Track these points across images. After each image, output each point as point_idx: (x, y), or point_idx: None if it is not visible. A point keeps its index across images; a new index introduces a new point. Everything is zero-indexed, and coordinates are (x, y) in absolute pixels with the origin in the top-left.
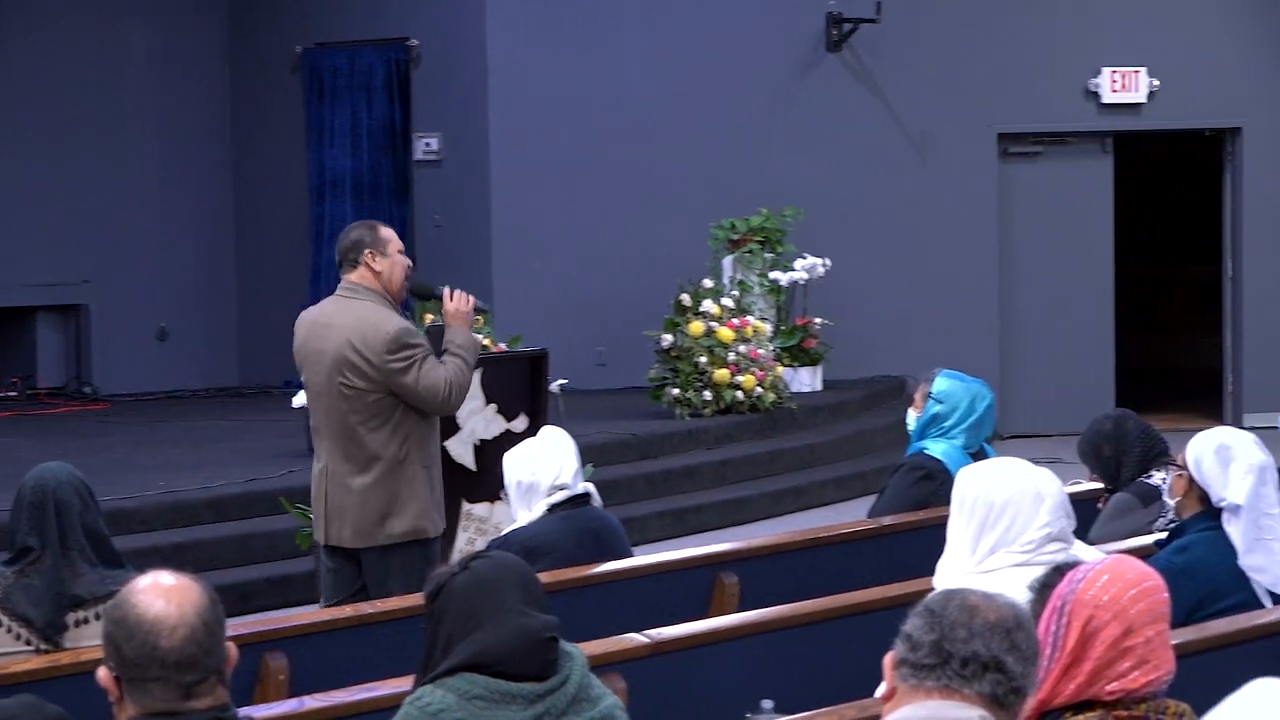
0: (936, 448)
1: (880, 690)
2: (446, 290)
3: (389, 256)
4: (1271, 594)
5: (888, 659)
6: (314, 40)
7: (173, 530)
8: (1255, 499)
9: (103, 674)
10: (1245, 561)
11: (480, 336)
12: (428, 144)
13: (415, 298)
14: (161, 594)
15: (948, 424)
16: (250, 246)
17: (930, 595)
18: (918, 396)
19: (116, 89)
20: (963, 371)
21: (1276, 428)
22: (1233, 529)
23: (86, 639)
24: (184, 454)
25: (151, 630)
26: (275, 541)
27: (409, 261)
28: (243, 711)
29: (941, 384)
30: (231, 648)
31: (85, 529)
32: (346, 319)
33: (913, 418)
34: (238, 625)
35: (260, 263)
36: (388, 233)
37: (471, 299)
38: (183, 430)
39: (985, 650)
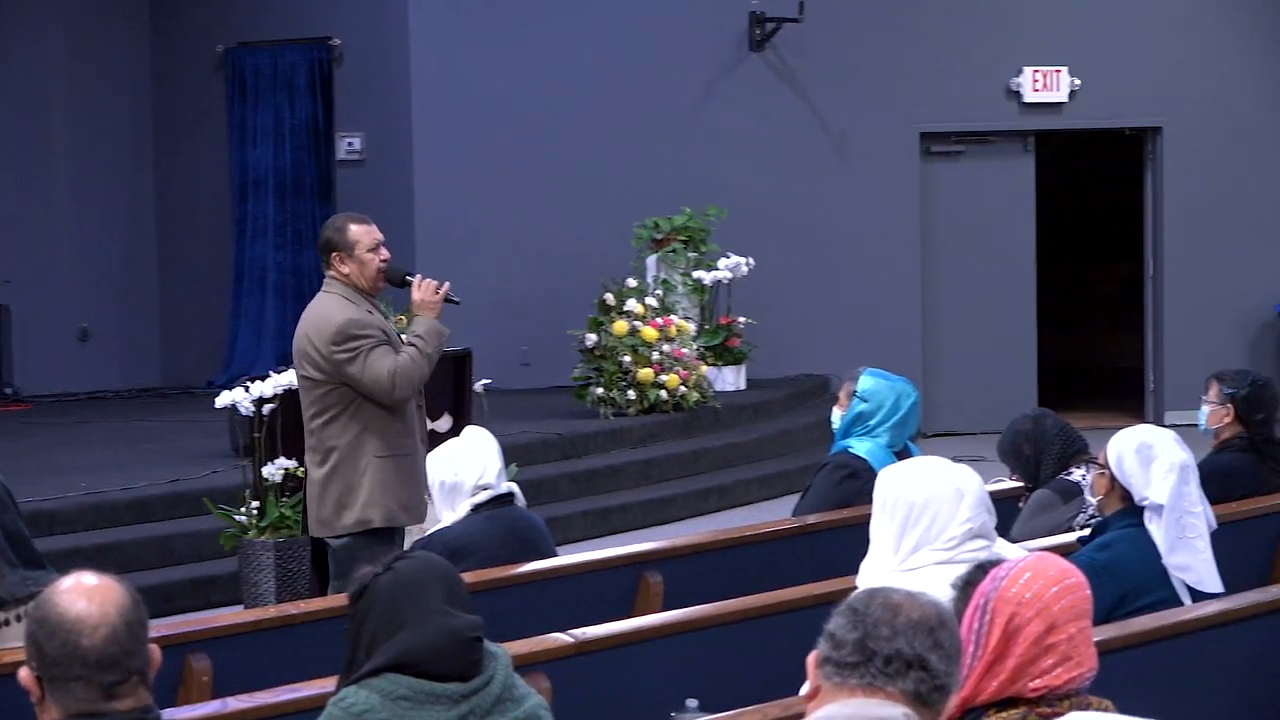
0: (861, 446)
1: (804, 689)
2: (416, 279)
3: (355, 258)
4: (1193, 591)
5: (811, 657)
6: (236, 40)
7: (95, 531)
8: (1177, 498)
9: (24, 674)
10: (1169, 560)
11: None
12: (350, 143)
13: (393, 286)
14: (83, 594)
15: (872, 422)
16: (172, 247)
17: (853, 594)
18: (842, 395)
19: (37, 89)
20: (886, 370)
21: (1197, 425)
22: (1154, 528)
23: (8, 640)
24: (106, 455)
25: (73, 629)
26: (198, 542)
27: (383, 256)
28: (166, 713)
29: (866, 382)
30: (155, 649)
31: (5, 530)
32: (309, 314)
33: (837, 416)
34: (161, 626)
35: (182, 263)
36: (357, 232)
37: (443, 288)
38: (105, 431)
39: (909, 648)
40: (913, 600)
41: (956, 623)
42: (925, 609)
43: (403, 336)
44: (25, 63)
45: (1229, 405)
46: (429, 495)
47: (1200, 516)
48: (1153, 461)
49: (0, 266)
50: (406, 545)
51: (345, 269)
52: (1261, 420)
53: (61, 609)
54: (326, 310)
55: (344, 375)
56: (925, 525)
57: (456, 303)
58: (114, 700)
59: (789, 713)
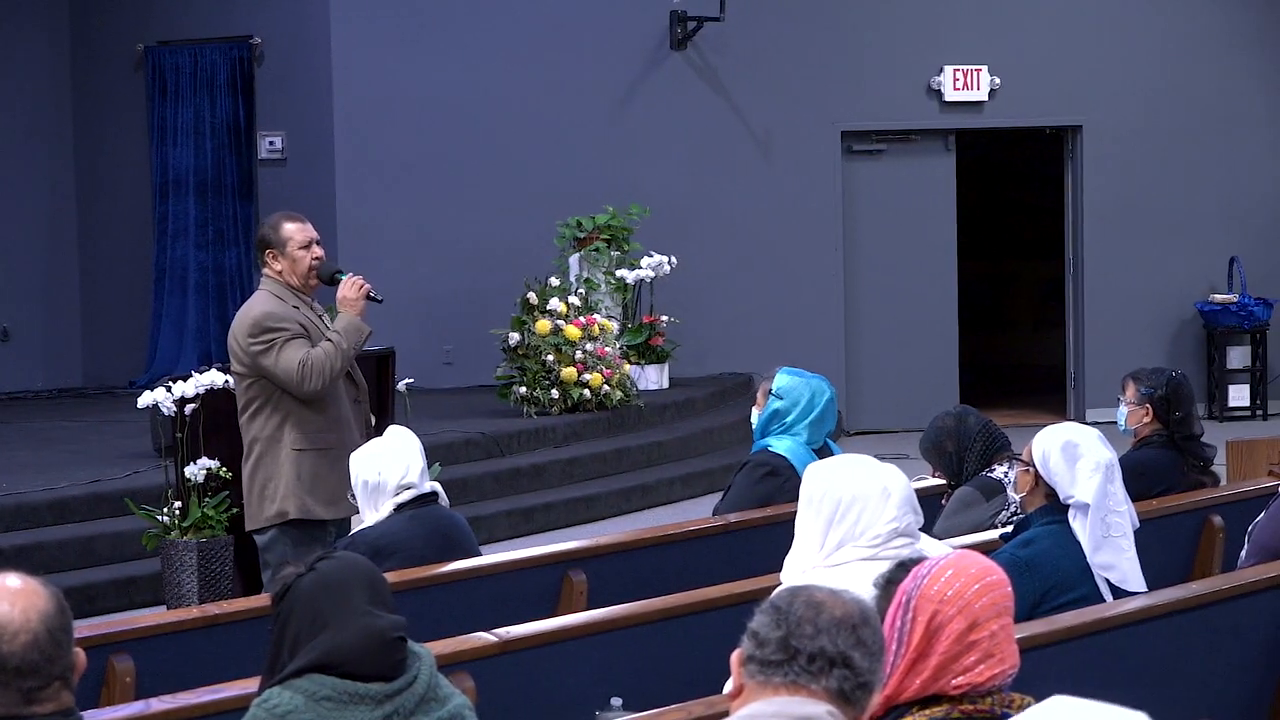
0: (780, 444)
1: (728, 687)
2: (345, 277)
3: (287, 255)
4: (1114, 588)
5: (735, 656)
6: (156, 38)
7: (16, 533)
8: (1103, 496)
9: None
10: (1094, 559)
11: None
12: (271, 142)
13: (324, 283)
14: (5, 597)
15: (789, 419)
16: (93, 246)
17: (776, 592)
18: (760, 395)
19: None
20: (807, 368)
21: (1117, 423)
22: (1079, 526)
23: None
24: (27, 456)
25: None
26: (120, 543)
27: (315, 254)
28: (89, 714)
29: (781, 380)
30: (79, 653)
31: None
32: (239, 311)
33: (756, 416)
34: (83, 627)
35: (103, 262)
36: (290, 230)
37: (364, 286)
38: (25, 432)
39: (832, 646)
40: (835, 598)
41: (879, 620)
42: (848, 606)
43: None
44: None
45: (1147, 405)
46: (350, 495)
47: (1125, 515)
48: (1078, 460)
49: None
50: None
51: (277, 266)
52: (1181, 418)
53: None
54: (250, 305)
55: (260, 367)
56: (851, 522)
57: (378, 300)
58: (34, 704)
59: (713, 711)
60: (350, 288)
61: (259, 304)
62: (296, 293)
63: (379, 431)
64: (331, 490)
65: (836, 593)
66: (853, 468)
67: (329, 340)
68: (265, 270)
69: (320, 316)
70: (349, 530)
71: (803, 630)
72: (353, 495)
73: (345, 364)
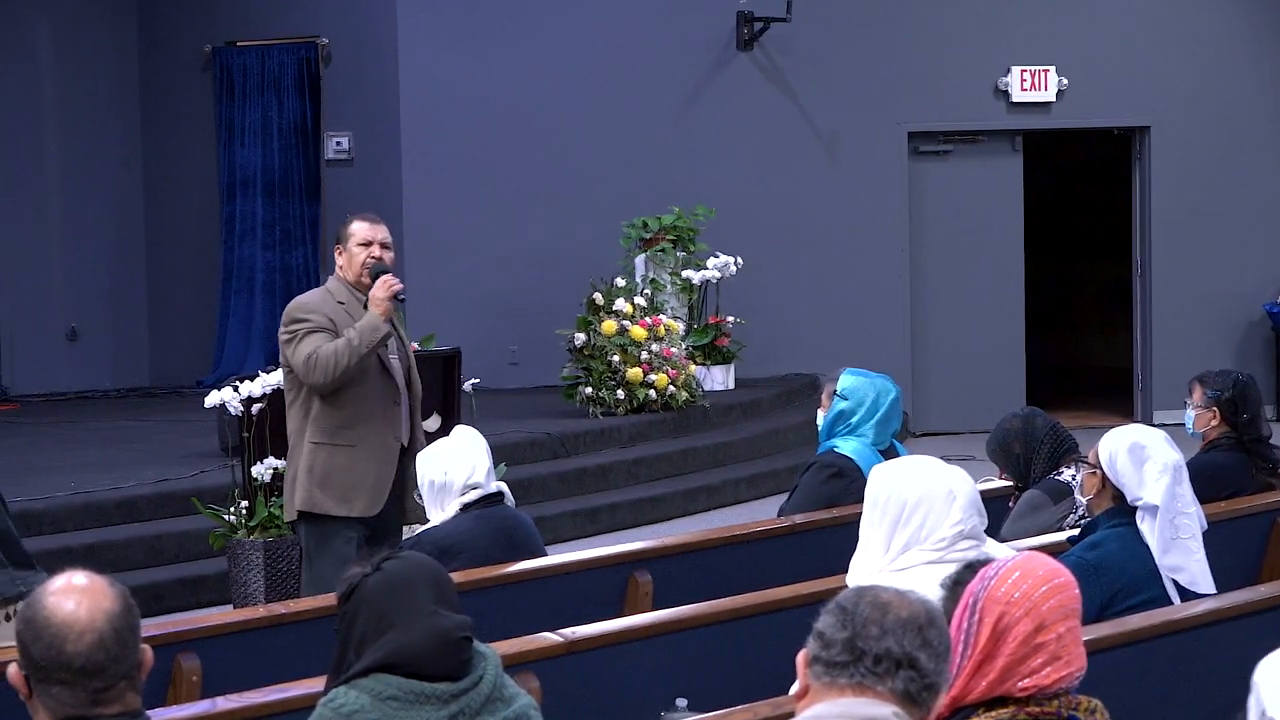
0: (846, 445)
1: (794, 688)
2: (384, 277)
3: (347, 250)
4: (1182, 591)
5: (800, 656)
6: (224, 39)
7: (84, 531)
8: (1171, 498)
9: (13, 671)
10: (1163, 561)
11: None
12: (339, 143)
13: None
14: (73, 596)
15: (854, 420)
16: (161, 246)
17: (842, 593)
18: (824, 396)
19: (24, 87)
20: (873, 369)
21: (1184, 426)
22: (1147, 528)
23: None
24: (95, 455)
25: (58, 633)
26: (187, 542)
27: (374, 252)
28: (155, 713)
29: (846, 381)
30: (147, 651)
31: None
32: None
33: (821, 417)
34: (149, 626)
35: (171, 262)
36: (356, 227)
37: (393, 285)
38: (93, 431)
39: (898, 647)
40: (901, 598)
41: (945, 621)
42: (914, 607)
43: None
44: (12, 64)
45: (1214, 408)
46: (417, 494)
47: (1193, 517)
48: (1146, 462)
49: None
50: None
51: (340, 261)
52: (1248, 420)
53: (49, 611)
54: (301, 295)
55: (285, 357)
56: (916, 525)
57: (402, 300)
58: (100, 706)
59: (778, 712)
60: (381, 286)
61: (301, 296)
62: (354, 290)
63: (445, 432)
64: (346, 488)
65: (903, 593)
66: (917, 470)
67: (346, 335)
68: (337, 262)
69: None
70: (397, 533)
71: (869, 631)
72: (418, 494)
73: (356, 361)
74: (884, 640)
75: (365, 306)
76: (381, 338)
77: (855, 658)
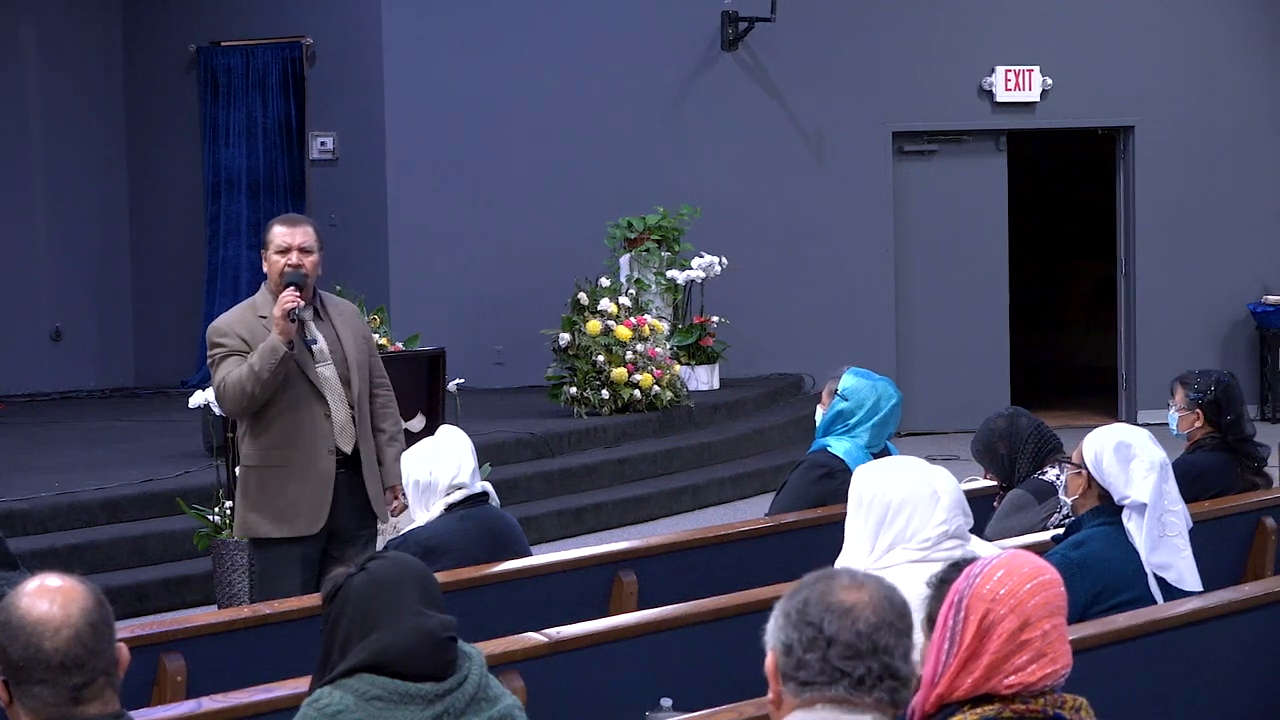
0: (839, 446)
1: (769, 695)
2: (285, 292)
3: (266, 257)
4: (1166, 589)
5: (770, 665)
6: (208, 39)
7: (68, 532)
8: (1159, 496)
9: None
10: (1151, 560)
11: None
12: (323, 143)
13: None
14: (45, 595)
15: (852, 421)
16: (145, 246)
17: (797, 594)
18: (825, 393)
19: (8, 88)
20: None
21: (1169, 426)
22: (1134, 527)
23: None
24: (79, 455)
25: (35, 632)
26: (171, 542)
27: (292, 260)
28: (140, 713)
29: (848, 381)
30: (122, 649)
31: None
32: None
33: (820, 414)
34: (134, 626)
35: (155, 262)
36: (274, 233)
37: (288, 303)
38: (78, 431)
39: (878, 664)
40: (859, 591)
41: (900, 594)
42: (876, 600)
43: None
44: None
45: (1197, 410)
46: (401, 494)
47: (1180, 515)
48: (1132, 460)
49: None
50: (380, 546)
51: (264, 267)
52: (1232, 420)
53: (23, 611)
54: (226, 312)
55: None
56: (901, 525)
57: (294, 320)
58: (81, 704)
59: (764, 712)
60: (277, 304)
61: (224, 314)
62: (277, 298)
63: (430, 432)
64: (280, 509)
65: (857, 580)
66: (902, 470)
67: (248, 361)
68: None
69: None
70: (362, 540)
71: (842, 650)
72: (402, 494)
73: (262, 387)
74: (865, 660)
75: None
76: (281, 359)
77: (833, 679)
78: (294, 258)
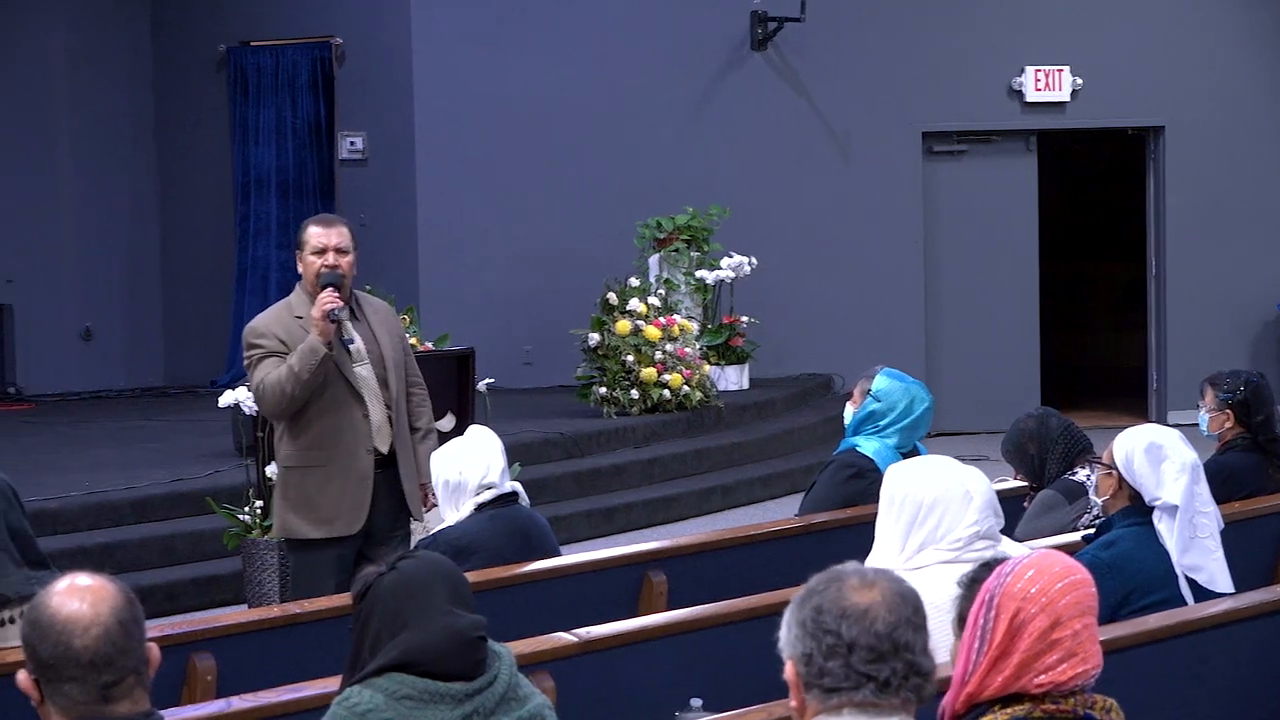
0: (868, 445)
1: (791, 701)
2: (321, 295)
3: (301, 258)
4: (1197, 590)
5: (790, 673)
6: (238, 39)
7: (98, 531)
8: (1190, 498)
9: (22, 677)
10: (1181, 561)
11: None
12: (352, 142)
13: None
14: (76, 594)
15: (883, 423)
16: (175, 246)
17: (808, 603)
18: (856, 392)
19: (39, 88)
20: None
21: (1199, 427)
22: (1164, 528)
23: (12, 639)
24: (109, 454)
25: (65, 630)
26: (201, 542)
27: (328, 261)
28: (170, 712)
29: (881, 382)
30: (153, 649)
31: (10, 529)
32: None
33: (850, 412)
34: (164, 626)
35: (185, 262)
36: (309, 234)
37: (327, 303)
38: (108, 430)
39: (903, 665)
40: (870, 590)
41: (910, 587)
42: (890, 600)
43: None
44: (27, 62)
45: (1227, 410)
46: (431, 494)
47: (1211, 516)
48: (1163, 461)
49: (3, 266)
50: (411, 545)
51: (299, 267)
52: (1262, 421)
53: (53, 610)
54: (262, 312)
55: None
56: (932, 525)
57: (334, 321)
58: (111, 703)
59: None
60: (316, 305)
61: (259, 315)
62: (313, 299)
63: (460, 432)
64: (321, 510)
65: (867, 580)
66: (934, 470)
67: (287, 362)
68: None
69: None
70: (396, 540)
71: (865, 654)
72: (432, 494)
73: (302, 388)
74: (888, 661)
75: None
76: (321, 360)
77: (858, 684)
78: (330, 258)
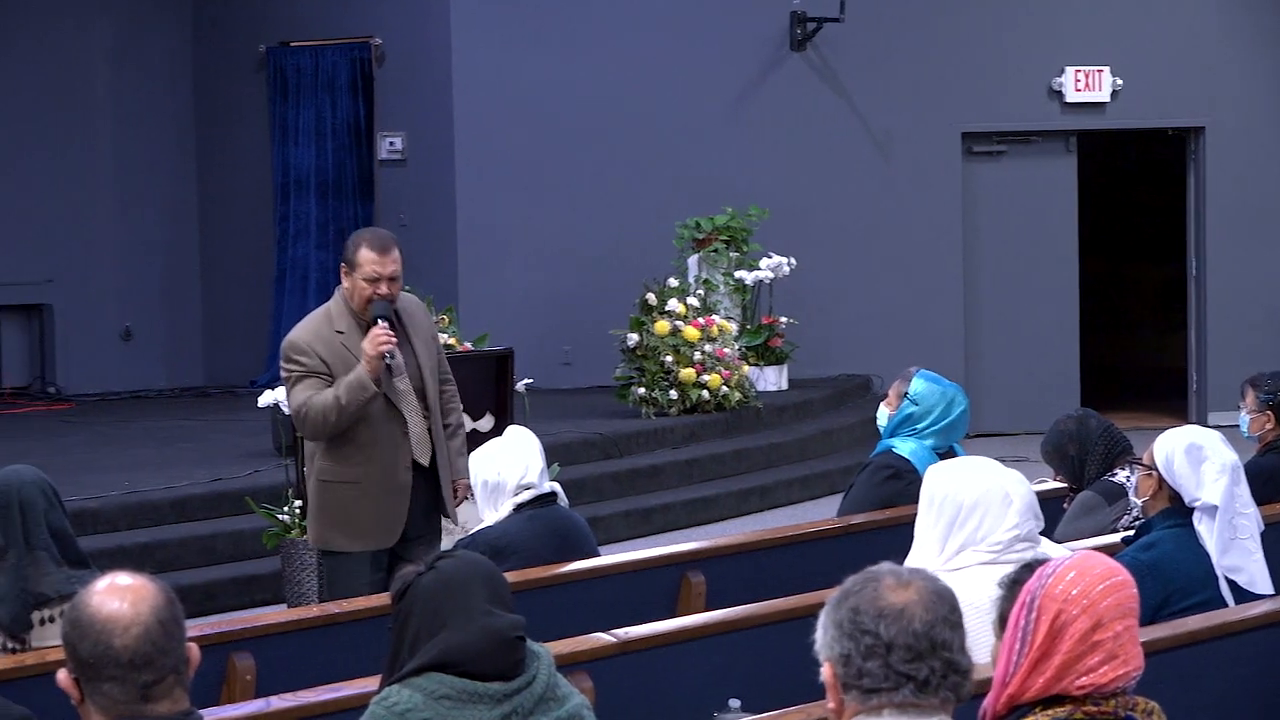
0: (904, 446)
1: (829, 703)
2: (378, 325)
3: (353, 279)
4: (1237, 592)
5: (828, 674)
6: (278, 39)
7: (137, 530)
8: (1230, 499)
9: (63, 676)
10: (1221, 562)
11: (443, 337)
12: (392, 143)
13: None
14: (116, 594)
15: (920, 425)
16: (214, 246)
17: (843, 604)
18: (892, 393)
19: (80, 88)
20: (926, 370)
21: (1239, 428)
22: (1204, 529)
23: (52, 638)
24: (149, 454)
25: (105, 629)
26: (240, 541)
27: (381, 290)
28: (209, 712)
29: (918, 385)
30: (192, 649)
31: (51, 528)
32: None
33: (884, 414)
34: (204, 625)
35: (224, 262)
36: (365, 259)
37: (383, 343)
38: (147, 430)
39: (941, 664)
40: (906, 589)
41: (946, 586)
42: (926, 599)
43: None
44: (68, 63)
45: (1268, 412)
46: (470, 494)
47: (1251, 517)
48: (1204, 462)
49: (43, 266)
50: (447, 546)
51: (345, 284)
52: None
53: (94, 609)
54: (301, 322)
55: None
56: (972, 527)
57: (389, 362)
58: (150, 702)
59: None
60: (371, 342)
61: (299, 326)
62: (355, 314)
63: (498, 432)
64: (357, 525)
65: (902, 580)
66: (975, 472)
67: (333, 391)
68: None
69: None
70: (430, 543)
71: (903, 654)
72: (471, 494)
73: (347, 419)
74: (926, 660)
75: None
76: (371, 397)
77: (897, 684)
78: (384, 288)
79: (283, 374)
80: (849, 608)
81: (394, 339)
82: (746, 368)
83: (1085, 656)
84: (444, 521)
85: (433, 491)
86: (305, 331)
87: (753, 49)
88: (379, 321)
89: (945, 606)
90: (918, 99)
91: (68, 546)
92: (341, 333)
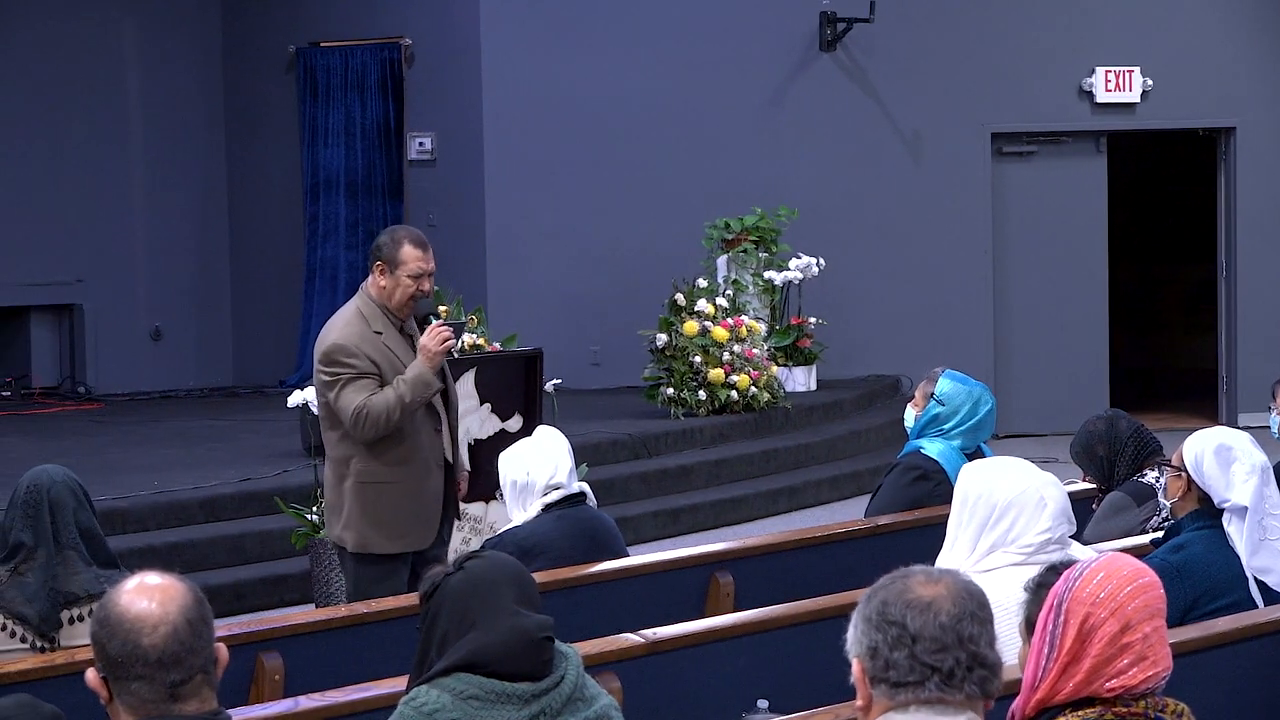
0: (932, 447)
1: (857, 700)
2: (434, 323)
3: (395, 277)
4: (1267, 594)
5: (856, 670)
6: (307, 39)
7: (166, 530)
8: (1259, 500)
9: (91, 675)
10: (1251, 563)
11: (471, 338)
12: (421, 143)
13: (416, 320)
14: (144, 593)
15: (947, 426)
16: (244, 246)
17: (876, 599)
18: (919, 394)
19: (110, 88)
20: (955, 371)
21: (1269, 429)
22: (1234, 530)
23: (81, 637)
24: (178, 454)
25: (133, 628)
26: (269, 541)
27: (423, 287)
28: (238, 711)
29: (944, 385)
30: (221, 648)
31: (80, 528)
32: (330, 319)
33: (911, 415)
34: (232, 625)
35: (254, 262)
36: (409, 254)
37: (447, 339)
38: (177, 430)
39: (965, 655)
40: (935, 585)
41: (977, 585)
42: (955, 594)
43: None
44: (98, 63)
45: None
46: (499, 494)
47: None
48: (1233, 463)
49: (74, 266)
50: (475, 546)
51: (382, 282)
52: None
53: (122, 608)
54: (334, 323)
55: (321, 395)
56: (1004, 528)
57: (455, 356)
58: (179, 701)
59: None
60: (433, 338)
61: (337, 328)
62: (388, 313)
63: (527, 432)
64: (400, 524)
65: (932, 576)
66: (1011, 473)
67: (394, 390)
68: (370, 278)
69: (410, 336)
70: (442, 546)
71: (929, 645)
72: (499, 494)
73: (406, 416)
74: (951, 652)
75: (401, 331)
76: (433, 394)
77: (923, 677)
78: (425, 284)
79: (327, 377)
80: (878, 601)
81: (454, 337)
82: (775, 368)
83: (1115, 659)
84: (468, 519)
85: (449, 489)
86: (349, 333)
87: (782, 49)
88: (432, 316)
89: (974, 603)
90: (947, 99)
91: (97, 546)
92: (380, 333)
